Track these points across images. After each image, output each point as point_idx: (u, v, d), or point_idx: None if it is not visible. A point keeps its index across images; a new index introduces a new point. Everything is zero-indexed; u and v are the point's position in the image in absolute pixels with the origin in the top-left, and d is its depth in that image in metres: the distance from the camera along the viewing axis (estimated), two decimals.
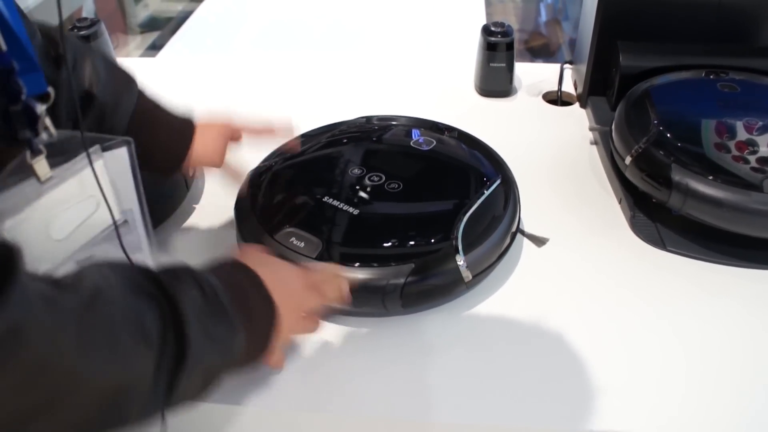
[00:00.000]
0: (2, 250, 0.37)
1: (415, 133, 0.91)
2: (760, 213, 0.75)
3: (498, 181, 0.82)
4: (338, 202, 0.78)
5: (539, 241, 0.84)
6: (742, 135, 0.82)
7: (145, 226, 0.65)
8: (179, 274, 0.51)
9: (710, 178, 0.77)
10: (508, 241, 0.78)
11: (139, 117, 0.74)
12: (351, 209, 0.77)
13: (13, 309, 0.35)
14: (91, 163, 0.55)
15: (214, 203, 0.91)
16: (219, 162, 0.81)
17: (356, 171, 0.83)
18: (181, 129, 0.79)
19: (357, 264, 0.71)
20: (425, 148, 0.88)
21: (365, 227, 0.76)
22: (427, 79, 1.23)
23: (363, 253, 0.73)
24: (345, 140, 0.91)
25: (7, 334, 0.35)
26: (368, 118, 0.96)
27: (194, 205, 0.91)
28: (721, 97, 0.90)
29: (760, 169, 0.78)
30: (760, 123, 0.84)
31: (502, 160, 0.87)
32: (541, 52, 2.21)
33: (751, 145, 0.81)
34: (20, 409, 0.38)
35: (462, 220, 0.75)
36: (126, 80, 0.75)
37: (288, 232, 0.75)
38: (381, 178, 0.82)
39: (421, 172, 0.85)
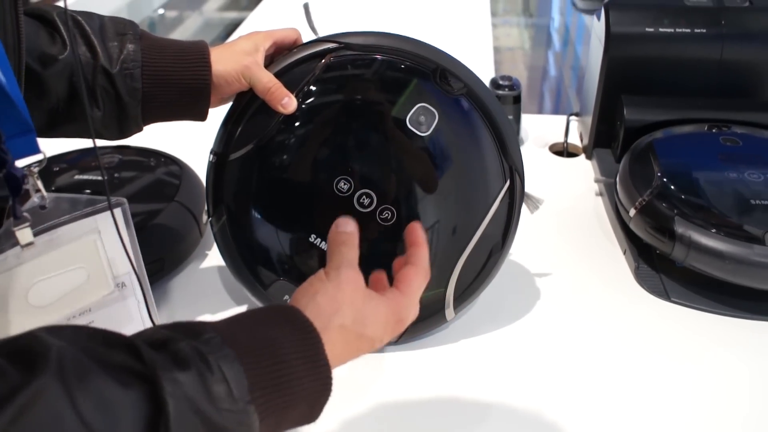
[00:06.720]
0: None
1: (414, 105, 0.68)
2: (762, 266, 0.76)
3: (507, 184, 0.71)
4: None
5: (534, 204, 0.78)
6: (744, 188, 0.84)
7: (142, 287, 0.62)
8: (177, 349, 0.40)
9: (713, 230, 0.78)
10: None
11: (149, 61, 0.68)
12: None
13: None
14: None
15: None
16: (255, 71, 0.69)
17: (343, 186, 0.68)
18: (195, 49, 0.70)
19: None
20: (424, 130, 0.67)
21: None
22: None
23: None
24: (325, 116, 0.69)
25: None
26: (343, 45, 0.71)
27: (207, 252, 0.92)
28: (723, 151, 0.92)
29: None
30: (763, 177, 0.86)
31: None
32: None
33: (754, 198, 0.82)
34: None
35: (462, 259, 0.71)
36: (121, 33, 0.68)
37: (281, 285, 0.68)
38: (372, 200, 0.68)
39: (418, 181, 0.66)
